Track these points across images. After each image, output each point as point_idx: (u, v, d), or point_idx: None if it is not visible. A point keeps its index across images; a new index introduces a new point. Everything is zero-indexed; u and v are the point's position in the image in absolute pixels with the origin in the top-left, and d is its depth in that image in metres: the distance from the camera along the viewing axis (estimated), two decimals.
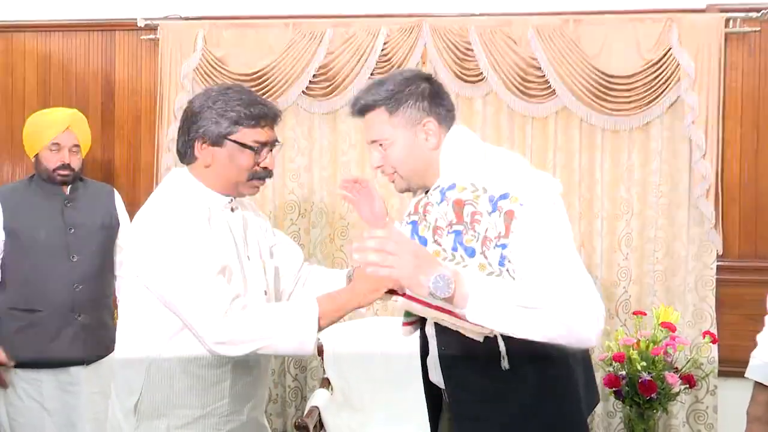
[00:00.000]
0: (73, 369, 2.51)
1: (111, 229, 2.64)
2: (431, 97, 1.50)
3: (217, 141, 1.55)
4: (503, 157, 1.50)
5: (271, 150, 1.59)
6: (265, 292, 1.64)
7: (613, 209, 3.41)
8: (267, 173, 1.60)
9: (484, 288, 1.23)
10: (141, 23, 3.64)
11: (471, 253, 1.36)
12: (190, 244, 1.46)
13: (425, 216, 1.44)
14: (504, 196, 1.35)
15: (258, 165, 1.57)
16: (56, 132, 2.49)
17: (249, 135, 1.54)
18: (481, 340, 1.39)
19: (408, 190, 1.53)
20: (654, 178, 3.34)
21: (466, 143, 1.50)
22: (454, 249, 1.38)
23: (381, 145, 1.49)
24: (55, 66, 3.81)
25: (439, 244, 1.41)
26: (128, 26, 3.69)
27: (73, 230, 2.50)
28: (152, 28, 3.64)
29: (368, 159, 3.52)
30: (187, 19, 3.64)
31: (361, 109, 1.51)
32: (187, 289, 1.44)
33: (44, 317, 2.44)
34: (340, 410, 3.00)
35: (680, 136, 3.33)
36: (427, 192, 1.51)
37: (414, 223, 1.47)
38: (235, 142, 1.54)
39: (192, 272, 1.44)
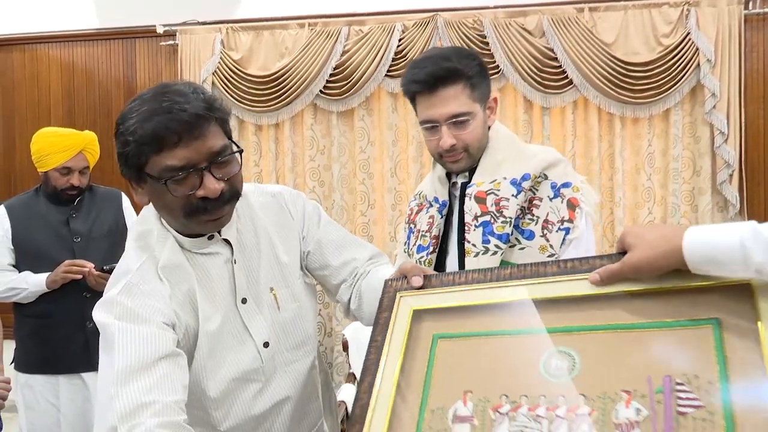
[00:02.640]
0: (86, 375, 2.55)
1: (118, 235, 2.65)
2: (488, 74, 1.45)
3: (133, 177, 1.10)
4: (544, 150, 1.50)
5: (208, 170, 1.07)
6: (266, 344, 1.24)
7: (635, 197, 3.38)
8: (211, 204, 1.09)
9: None
10: (160, 30, 3.71)
11: (529, 236, 1.40)
12: (115, 347, 1.07)
13: (502, 212, 1.38)
14: (566, 185, 1.41)
15: (193, 196, 1.07)
16: (68, 156, 2.50)
17: (157, 163, 1.05)
18: None
19: (466, 169, 1.44)
20: (675, 164, 3.31)
21: (507, 129, 1.50)
22: (511, 233, 1.41)
23: (460, 121, 1.36)
24: (79, 74, 3.90)
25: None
26: (148, 33, 3.77)
27: (79, 239, 2.54)
28: (171, 35, 3.71)
29: (386, 155, 3.60)
30: (204, 24, 3.69)
31: (441, 79, 1.33)
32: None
33: (56, 325, 2.49)
34: None
35: (701, 121, 3.29)
36: (468, 181, 1.44)
37: (486, 224, 1.38)
38: (149, 175, 1.07)
39: (111, 369, 1.07)
